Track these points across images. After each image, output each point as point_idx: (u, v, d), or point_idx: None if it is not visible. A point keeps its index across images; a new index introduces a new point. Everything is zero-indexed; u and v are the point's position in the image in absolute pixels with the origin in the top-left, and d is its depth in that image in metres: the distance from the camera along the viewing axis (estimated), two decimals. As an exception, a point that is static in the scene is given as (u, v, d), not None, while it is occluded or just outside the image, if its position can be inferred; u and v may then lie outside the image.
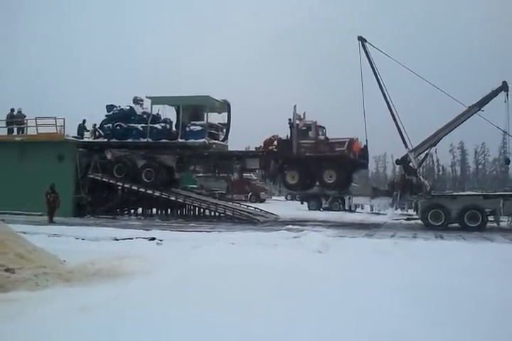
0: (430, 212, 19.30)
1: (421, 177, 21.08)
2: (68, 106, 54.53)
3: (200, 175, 25.26)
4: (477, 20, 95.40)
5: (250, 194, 43.21)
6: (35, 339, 4.74)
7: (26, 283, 6.91)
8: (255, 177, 39.81)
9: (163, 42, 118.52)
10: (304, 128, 21.76)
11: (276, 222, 22.00)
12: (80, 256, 8.90)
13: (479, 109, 19.79)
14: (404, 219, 23.76)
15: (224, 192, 39.13)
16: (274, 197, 49.25)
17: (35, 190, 22.17)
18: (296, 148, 21.44)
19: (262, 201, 43.50)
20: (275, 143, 22.70)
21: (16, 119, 25.78)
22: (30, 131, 25.24)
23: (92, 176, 23.97)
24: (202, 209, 23.84)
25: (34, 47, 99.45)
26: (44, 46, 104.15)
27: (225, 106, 24.31)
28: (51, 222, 19.91)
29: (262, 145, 23.13)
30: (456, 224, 18.97)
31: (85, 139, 25.38)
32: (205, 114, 23.86)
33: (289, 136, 21.91)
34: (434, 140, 20.55)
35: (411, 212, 25.92)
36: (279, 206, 36.93)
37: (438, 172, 75.56)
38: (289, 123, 21.70)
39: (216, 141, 24.08)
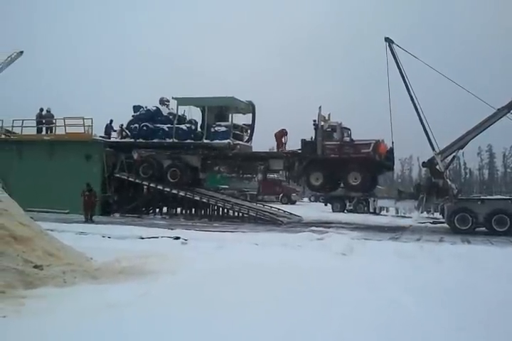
0: (457, 216, 18.98)
1: (448, 180, 20.73)
2: (96, 106, 55.36)
3: (233, 175, 25.27)
4: (507, 22, 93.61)
5: (281, 195, 43.07)
6: (64, 334, 4.84)
7: (54, 280, 7.04)
8: (286, 178, 39.57)
9: (185, 45, 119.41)
10: (328, 129, 21.64)
11: (299, 224, 21.92)
12: (106, 254, 9.03)
13: (508, 112, 19.39)
14: (430, 223, 23.40)
15: (255, 193, 39.16)
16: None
17: (62, 189, 22.61)
18: (321, 150, 21.34)
19: (294, 202, 43.25)
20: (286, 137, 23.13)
21: (45, 119, 26.31)
22: (59, 131, 25.71)
23: (118, 175, 24.25)
24: (226, 210, 23.91)
25: (62, 49, 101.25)
26: (72, 47, 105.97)
27: (249, 107, 24.34)
28: (88, 220, 19.87)
29: (275, 139, 23.44)
30: (484, 229, 18.64)
31: (112, 139, 25.71)
32: (230, 115, 23.94)
33: (313, 137, 21.82)
34: (461, 142, 20.19)
35: (437, 215, 25.56)
36: (303, 207, 36.87)
37: (465, 175, 74.50)
38: (314, 124, 21.60)
39: (240, 142, 24.12)
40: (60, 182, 23.04)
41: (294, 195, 42.75)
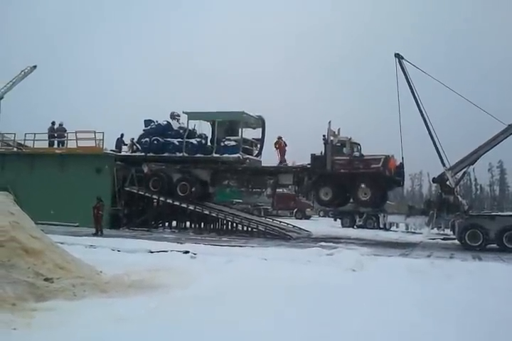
0: (468, 232, 18.83)
1: (458, 196, 20.62)
2: (107, 120, 55.81)
3: (242, 189, 25.31)
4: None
5: (296, 210, 42.72)
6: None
7: (64, 293, 7.07)
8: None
9: (199, 55, 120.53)
10: (338, 144, 21.68)
11: (309, 239, 21.84)
12: (115, 268, 9.06)
13: (519, 127, 19.34)
14: (441, 239, 23.22)
15: (269, 207, 38.98)
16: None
17: (73, 202, 22.76)
18: (331, 165, 21.35)
19: (308, 218, 42.87)
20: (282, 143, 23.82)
21: (56, 132, 26.61)
22: (70, 145, 25.99)
23: (128, 189, 24.40)
24: (235, 224, 23.93)
25: (74, 63, 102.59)
26: (85, 63, 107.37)
27: (259, 122, 24.49)
28: (96, 234, 19.83)
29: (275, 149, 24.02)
30: (495, 245, 18.46)
31: (123, 153, 25.94)
32: (240, 130, 24.09)
33: (323, 152, 21.85)
34: (472, 158, 20.12)
35: (447, 231, 25.36)
36: (312, 222, 36.72)
37: (476, 191, 73.85)
38: (324, 139, 21.66)
39: (250, 156, 24.23)
40: (71, 195, 23.22)
41: (308, 209, 42.17)
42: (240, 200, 28.70)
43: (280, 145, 24.13)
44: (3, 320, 5.57)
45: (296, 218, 40.36)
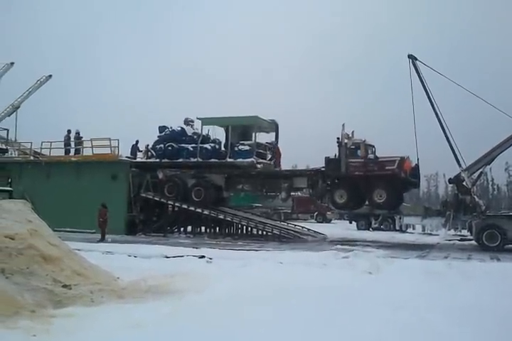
0: (485, 233, 18.62)
1: (475, 197, 20.42)
2: (122, 127, 56.31)
3: (257, 193, 25.34)
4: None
5: (316, 213, 42.53)
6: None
7: (82, 299, 7.13)
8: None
9: (211, 62, 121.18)
10: (352, 147, 21.60)
11: (324, 242, 21.77)
12: (132, 273, 9.13)
13: (536, 127, 19.13)
14: (458, 240, 22.99)
15: (289, 211, 38.77)
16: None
17: (89, 209, 22.93)
18: (345, 167, 21.28)
19: (329, 221, 42.63)
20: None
21: (73, 140, 26.93)
22: (86, 152, 26.28)
23: (144, 195, 24.58)
24: (249, 228, 23.95)
25: (89, 71, 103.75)
26: (99, 70, 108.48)
27: (273, 126, 24.56)
28: (101, 240, 19.88)
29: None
30: (513, 246, 18.24)
31: (138, 159, 26.14)
32: (254, 134, 24.15)
33: (337, 154, 21.79)
34: (488, 158, 19.94)
35: (465, 232, 25.09)
36: (327, 225, 36.59)
37: (493, 191, 73.02)
38: (338, 142, 21.61)
39: (264, 161, 24.27)
40: (87, 202, 23.41)
41: (329, 213, 42.00)
42: (260, 204, 28.77)
43: (277, 151, 24.76)
44: (22, 327, 5.65)
45: (317, 221, 40.12)
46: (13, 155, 28.74)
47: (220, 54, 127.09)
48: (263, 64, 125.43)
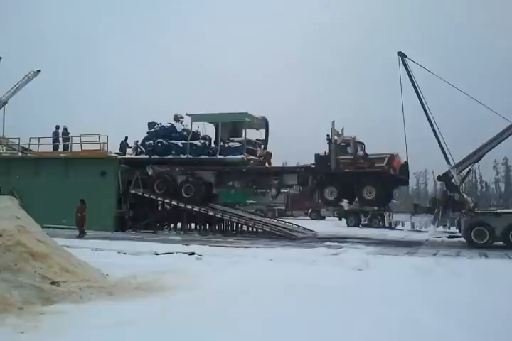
0: (474, 230, 18.75)
1: (464, 194, 20.55)
2: (111, 123, 56.00)
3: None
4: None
5: (310, 210, 42.48)
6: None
7: (71, 296, 7.08)
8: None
9: (207, 57, 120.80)
10: (342, 144, 21.63)
11: (314, 239, 21.81)
12: (122, 270, 9.08)
13: (524, 124, 19.26)
14: (447, 237, 23.16)
15: (283, 208, 38.69)
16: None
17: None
18: (335, 164, 21.32)
19: (323, 218, 42.63)
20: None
21: (61, 137, 26.69)
22: (75, 148, 26.08)
23: (133, 191, 24.43)
24: (240, 225, 23.94)
25: (77, 65, 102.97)
26: (89, 66, 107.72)
27: (263, 123, 24.52)
28: (79, 236, 19.49)
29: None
30: (501, 243, 18.38)
31: (127, 155, 25.99)
32: (244, 131, 24.10)
33: (326, 151, 21.81)
34: (477, 156, 20.07)
35: (453, 229, 25.28)
36: (317, 222, 36.67)
37: (481, 188, 73.71)
38: (327, 139, 21.62)
39: (254, 157, 24.24)
40: (76, 198, 23.23)
41: (323, 210, 42.04)
42: (254, 201, 28.75)
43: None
44: (10, 324, 5.60)
45: (312, 218, 40.10)
46: (1, 151, 28.45)
47: (215, 51, 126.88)
48: (254, 61, 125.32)
